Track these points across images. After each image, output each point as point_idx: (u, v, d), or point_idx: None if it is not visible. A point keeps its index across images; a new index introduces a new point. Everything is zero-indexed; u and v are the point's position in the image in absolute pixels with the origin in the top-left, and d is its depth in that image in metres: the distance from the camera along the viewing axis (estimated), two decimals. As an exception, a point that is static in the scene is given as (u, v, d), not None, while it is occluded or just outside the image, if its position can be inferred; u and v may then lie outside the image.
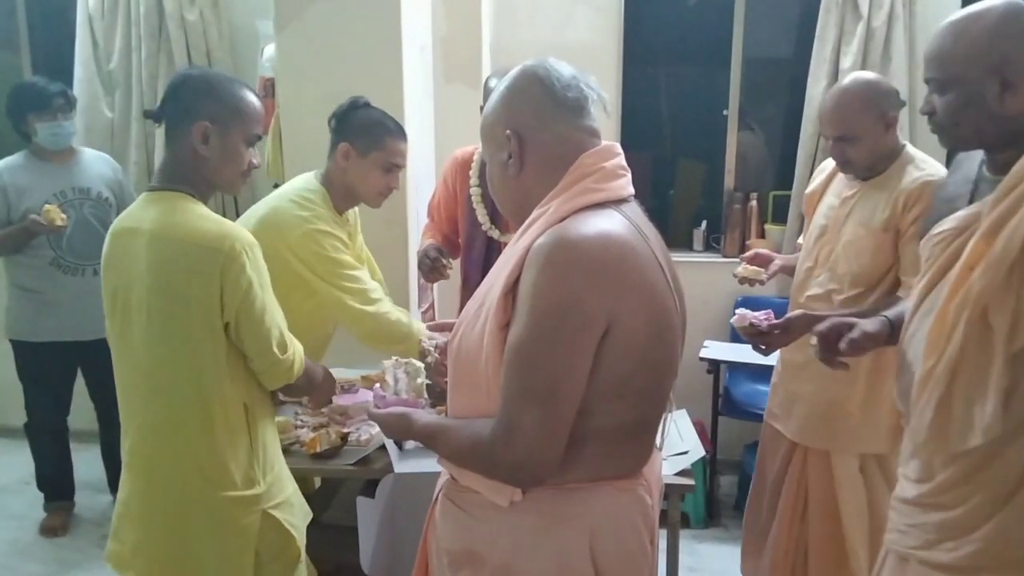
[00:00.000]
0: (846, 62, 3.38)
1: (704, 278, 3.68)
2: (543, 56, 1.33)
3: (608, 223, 1.21)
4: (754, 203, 3.81)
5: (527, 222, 1.28)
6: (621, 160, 1.31)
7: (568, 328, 1.16)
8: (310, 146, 2.99)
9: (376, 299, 2.14)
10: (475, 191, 2.55)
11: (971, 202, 1.38)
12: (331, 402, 2.05)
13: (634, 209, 1.29)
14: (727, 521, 3.36)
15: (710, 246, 3.93)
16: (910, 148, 2.16)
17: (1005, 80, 1.28)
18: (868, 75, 2.18)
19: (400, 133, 2.19)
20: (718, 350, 3.31)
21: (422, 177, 3.26)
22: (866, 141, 2.07)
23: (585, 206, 1.23)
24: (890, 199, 2.07)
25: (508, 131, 1.28)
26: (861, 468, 2.20)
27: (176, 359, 1.59)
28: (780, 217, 3.77)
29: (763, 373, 2.96)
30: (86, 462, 3.52)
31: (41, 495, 3.38)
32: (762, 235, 3.84)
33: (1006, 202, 1.24)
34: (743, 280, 2.45)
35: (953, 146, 1.43)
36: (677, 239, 4.09)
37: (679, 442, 2.11)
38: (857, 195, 2.16)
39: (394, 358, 1.76)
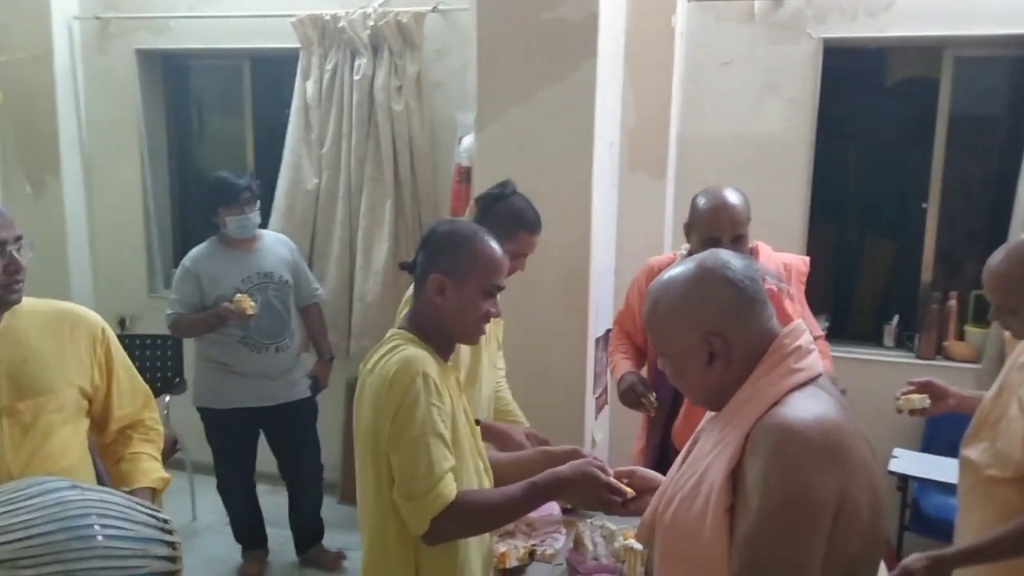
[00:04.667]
0: (1065, 164, 3.13)
1: (895, 379, 3.41)
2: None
3: (821, 405, 1.23)
4: (953, 302, 3.59)
5: (736, 403, 1.30)
6: (809, 336, 1.34)
7: (802, 520, 1.16)
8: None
9: None
10: None
11: None
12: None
13: (827, 383, 1.30)
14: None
15: (902, 343, 3.73)
16: None
17: None
18: None
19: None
20: (909, 462, 3.12)
21: (603, 268, 3.33)
22: None
23: (792, 387, 1.25)
24: None
25: (710, 334, 1.30)
26: None
27: (368, 493, 1.66)
28: (983, 316, 3.50)
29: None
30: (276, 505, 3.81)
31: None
32: (961, 336, 3.60)
33: None
34: (901, 410, 2.08)
35: None
36: (863, 330, 3.93)
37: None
38: None
39: (588, 520, 1.75)
